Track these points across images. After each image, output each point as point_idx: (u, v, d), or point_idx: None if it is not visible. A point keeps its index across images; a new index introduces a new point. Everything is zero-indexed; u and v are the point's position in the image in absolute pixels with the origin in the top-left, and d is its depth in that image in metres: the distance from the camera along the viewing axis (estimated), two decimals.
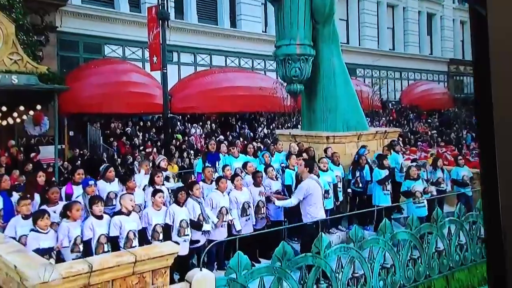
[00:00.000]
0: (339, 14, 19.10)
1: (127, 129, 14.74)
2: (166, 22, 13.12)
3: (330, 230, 7.95)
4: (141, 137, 14.44)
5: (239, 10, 18.49)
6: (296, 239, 7.45)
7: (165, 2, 13.03)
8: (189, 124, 16.05)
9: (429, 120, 23.50)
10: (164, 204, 6.56)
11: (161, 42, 12.71)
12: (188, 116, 16.25)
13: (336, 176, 8.48)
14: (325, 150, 8.62)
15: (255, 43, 18.33)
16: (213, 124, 16.42)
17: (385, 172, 8.45)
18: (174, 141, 13.89)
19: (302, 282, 6.09)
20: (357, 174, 8.61)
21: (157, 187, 6.72)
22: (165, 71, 12.84)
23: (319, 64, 8.97)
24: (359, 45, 22.46)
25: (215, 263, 6.66)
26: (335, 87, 9.11)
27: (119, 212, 5.80)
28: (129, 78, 14.94)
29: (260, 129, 16.92)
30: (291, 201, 7.07)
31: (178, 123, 15.79)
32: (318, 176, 7.39)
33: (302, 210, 7.01)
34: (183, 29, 16.78)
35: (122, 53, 15.83)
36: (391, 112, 22.13)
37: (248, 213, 7.24)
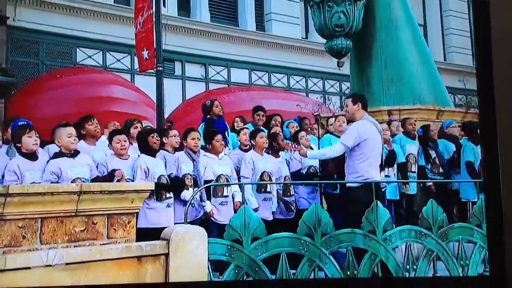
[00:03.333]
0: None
1: None
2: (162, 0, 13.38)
3: None
4: None
5: (268, 8, 18.43)
6: None
7: None
8: None
9: None
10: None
11: (154, 26, 12.81)
12: None
13: (410, 154, 8.07)
14: (389, 123, 8.22)
15: (291, 53, 18.21)
16: None
17: (478, 150, 8.00)
18: None
19: (346, 272, 5.63)
20: (433, 154, 8.25)
21: None
22: (161, 68, 12.81)
23: (374, 11, 8.83)
24: (444, 60, 22.00)
25: None
26: (398, 46, 8.94)
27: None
28: (109, 93, 14.85)
29: None
30: (333, 149, 6.65)
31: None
32: None
33: (349, 168, 6.57)
34: (190, 31, 16.59)
35: (102, 59, 15.84)
36: None
37: (268, 190, 6.91)
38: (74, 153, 5.90)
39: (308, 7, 9.62)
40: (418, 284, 6.10)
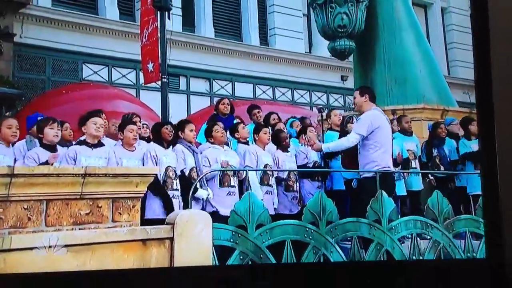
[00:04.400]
0: None
1: None
2: (167, 13, 13.43)
3: None
4: None
5: (271, 23, 18.54)
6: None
7: None
8: None
9: None
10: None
11: (159, 39, 12.92)
12: None
13: (408, 150, 8.11)
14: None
15: (295, 67, 18.21)
16: None
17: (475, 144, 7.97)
18: None
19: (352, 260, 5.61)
20: (435, 152, 8.24)
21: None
22: (165, 80, 12.90)
23: (377, 12, 8.90)
24: (448, 74, 21.76)
25: None
26: (401, 47, 8.99)
27: None
28: (114, 108, 14.85)
29: None
30: (349, 139, 6.61)
31: None
32: None
33: (364, 158, 6.55)
34: (195, 46, 16.62)
35: (108, 75, 15.98)
36: None
37: (269, 183, 6.89)
38: (96, 144, 5.98)
39: (311, 9, 9.65)
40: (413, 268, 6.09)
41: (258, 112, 8.54)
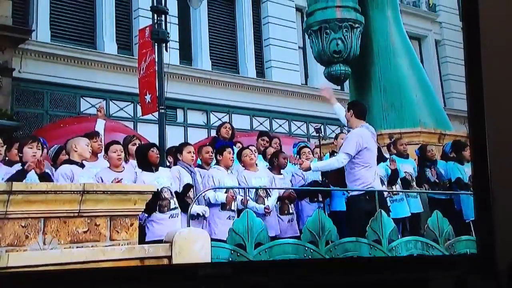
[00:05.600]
0: None
1: None
2: (164, 45, 13.54)
3: None
4: None
5: (267, 55, 18.64)
6: None
7: (163, 19, 13.60)
8: None
9: None
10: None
11: (157, 70, 13.00)
12: None
13: (405, 172, 8.13)
14: (388, 146, 8.25)
15: (292, 98, 18.32)
16: None
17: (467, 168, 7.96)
18: None
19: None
20: (428, 173, 8.23)
21: None
22: (163, 111, 12.97)
23: (371, 38, 8.97)
24: (445, 106, 21.06)
25: None
26: (397, 72, 9.03)
27: None
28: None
29: None
30: (338, 159, 6.63)
31: None
32: None
33: (351, 175, 6.55)
34: (192, 79, 16.72)
35: (106, 108, 16.00)
36: None
37: (264, 203, 6.86)
38: (82, 165, 5.97)
39: (307, 35, 9.73)
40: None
41: (267, 141, 8.57)
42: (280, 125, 18.33)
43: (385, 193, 6.85)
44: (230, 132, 8.75)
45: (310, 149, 7.86)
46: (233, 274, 5.11)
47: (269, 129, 17.96)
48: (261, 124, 17.94)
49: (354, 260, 5.71)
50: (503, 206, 5.35)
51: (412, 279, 5.85)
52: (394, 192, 7.50)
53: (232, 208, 6.49)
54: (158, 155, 6.55)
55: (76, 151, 6.00)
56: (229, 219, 6.40)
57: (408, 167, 8.11)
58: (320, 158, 7.91)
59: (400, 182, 7.76)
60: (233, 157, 7.02)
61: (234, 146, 8.25)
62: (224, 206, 6.47)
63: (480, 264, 5.28)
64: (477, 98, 5.18)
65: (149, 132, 13.76)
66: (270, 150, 7.93)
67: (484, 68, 5.25)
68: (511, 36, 5.68)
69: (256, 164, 7.28)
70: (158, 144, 12.11)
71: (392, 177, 7.61)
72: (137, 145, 7.19)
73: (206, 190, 6.32)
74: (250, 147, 7.51)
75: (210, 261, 4.89)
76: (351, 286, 5.74)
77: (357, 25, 8.79)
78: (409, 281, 5.81)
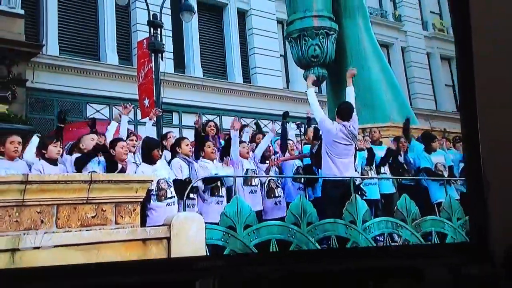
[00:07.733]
0: None
1: None
2: (160, 55, 13.68)
3: None
4: None
5: (252, 63, 18.67)
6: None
7: (159, 32, 13.71)
8: None
9: None
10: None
11: (154, 78, 13.14)
12: None
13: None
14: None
15: (274, 101, 18.21)
16: None
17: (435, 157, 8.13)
18: None
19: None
20: (401, 159, 8.38)
21: None
22: (160, 113, 13.11)
23: (345, 44, 9.11)
24: (411, 105, 21.95)
25: None
26: (369, 74, 9.16)
27: None
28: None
29: None
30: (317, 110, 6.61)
31: None
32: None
33: (325, 163, 6.62)
34: (185, 85, 16.83)
35: (109, 113, 16.11)
36: None
37: (253, 183, 6.92)
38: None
39: (287, 42, 9.88)
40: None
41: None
42: (265, 125, 18.35)
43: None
44: (214, 129, 8.79)
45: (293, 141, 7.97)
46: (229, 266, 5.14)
47: (255, 128, 18.02)
48: (248, 124, 17.97)
49: (352, 249, 5.76)
50: (497, 192, 5.33)
51: (406, 267, 5.86)
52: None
53: (221, 194, 6.54)
54: (160, 154, 6.60)
55: (83, 148, 6.07)
56: (218, 204, 6.45)
57: (381, 152, 8.25)
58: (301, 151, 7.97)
59: (374, 167, 7.85)
60: (213, 150, 7.08)
61: (221, 140, 8.33)
62: (213, 191, 6.53)
63: (475, 252, 5.26)
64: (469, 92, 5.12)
65: (149, 133, 13.81)
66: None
67: (476, 65, 5.20)
68: (503, 34, 5.64)
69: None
70: None
71: (369, 157, 7.74)
72: (134, 141, 7.22)
73: (198, 180, 6.36)
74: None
75: (204, 242, 4.92)
76: (346, 275, 5.75)
77: (332, 32, 8.96)
78: (404, 269, 5.82)
